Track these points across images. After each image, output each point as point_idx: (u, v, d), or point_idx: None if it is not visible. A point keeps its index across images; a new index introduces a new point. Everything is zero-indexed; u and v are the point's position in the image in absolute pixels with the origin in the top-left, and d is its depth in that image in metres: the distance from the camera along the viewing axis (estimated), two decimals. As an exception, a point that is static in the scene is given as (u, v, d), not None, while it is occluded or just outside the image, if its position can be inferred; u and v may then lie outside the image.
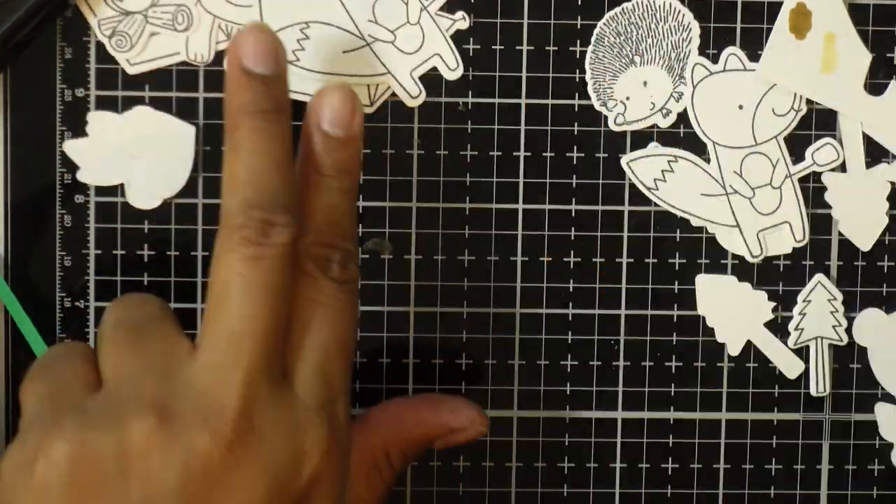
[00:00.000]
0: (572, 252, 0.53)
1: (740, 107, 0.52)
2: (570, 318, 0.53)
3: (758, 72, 0.52)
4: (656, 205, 0.53)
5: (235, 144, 0.43)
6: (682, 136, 0.53)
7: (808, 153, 0.53)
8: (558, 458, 0.54)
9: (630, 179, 0.53)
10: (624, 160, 0.52)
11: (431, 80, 0.52)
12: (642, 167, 0.52)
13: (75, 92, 0.51)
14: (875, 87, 0.53)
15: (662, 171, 0.52)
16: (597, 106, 0.52)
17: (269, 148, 0.43)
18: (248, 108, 0.43)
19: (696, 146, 0.53)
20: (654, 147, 0.52)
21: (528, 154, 0.53)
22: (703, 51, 0.52)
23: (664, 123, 0.52)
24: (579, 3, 0.52)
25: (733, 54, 0.52)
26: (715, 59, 0.52)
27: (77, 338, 0.52)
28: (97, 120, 0.51)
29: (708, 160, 0.53)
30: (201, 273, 0.52)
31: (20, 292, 0.51)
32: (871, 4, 0.53)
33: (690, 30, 0.52)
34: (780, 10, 0.52)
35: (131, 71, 0.51)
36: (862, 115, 0.52)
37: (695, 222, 0.53)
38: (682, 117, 0.53)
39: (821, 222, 0.53)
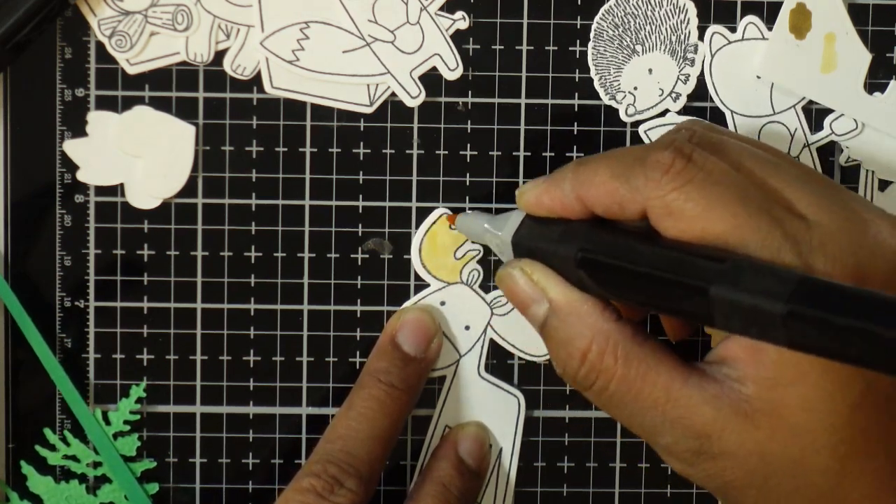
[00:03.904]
0: (572, 252, 0.53)
1: (759, 75, 0.52)
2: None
3: (758, 72, 0.52)
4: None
5: (352, 402, 0.49)
6: (700, 108, 0.52)
7: (826, 122, 0.53)
8: (558, 458, 0.54)
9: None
10: (642, 129, 0.52)
11: (431, 80, 0.52)
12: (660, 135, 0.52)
13: (75, 92, 0.51)
14: (875, 86, 0.53)
15: None
16: (606, 100, 0.52)
17: (376, 419, 0.48)
18: (377, 375, 0.49)
19: (715, 116, 0.53)
20: (672, 116, 0.52)
21: (528, 154, 0.53)
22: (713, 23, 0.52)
23: (675, 107, 0.52)
24: (579, 2, 0.52)
25: (752, 23, 0.52)
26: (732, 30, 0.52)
27: (76, 338, 0.52)
28: (97, 120, 0.51)
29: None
30: (201, 273, 0.52)
31: (20, 292, 0.51)
32: (871, 4, 0.52)
33: (687, 10, 0.52)
34: (780, 10, 0.52)
35: (131, 71, 0.51)
36: (862, 115, 0.52)
37: None
38: (700, 90, 0.52)
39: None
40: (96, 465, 0.52)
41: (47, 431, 0.52)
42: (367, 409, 0.48)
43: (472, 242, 0.51)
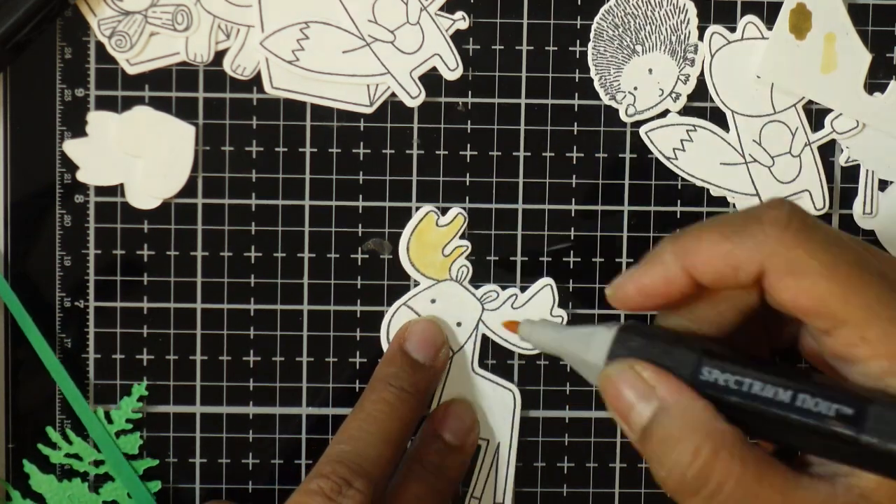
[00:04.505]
0: (572, 252, 0.53)
1: (759, 75, 0.52)
2: (572, 319, 0.53)
3: (758, 72, 0.52)
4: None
5: (362, 405, 0.49)
6: (700, 108, 0.53)
7: (827, 121, 0.53)
8: (558, 458, 0.54)
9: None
10: (643, 130, 0.52)
11: (431, 80, 0.52)
12: (661, 137, 0.52)
13: (75, 92, 0.51)
14: (875, 86, 0.53)
15: (681, 141, 0.52)
16: (606, 100, 0.52)
17: (387, 421, 0.48)
18: (387, 379, 0.50)
19: (715, 115, 0.53)
20: (672, 116, 0.52)
21: (528, 154, 0.53)
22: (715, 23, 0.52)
23: (675, 107, 0.52)
24: (579, 2, 0.52)
25: (751, 23, 0.52)
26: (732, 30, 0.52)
27: (76, 338, 0.52)
28: (97, 120, 0.51)
29: (727, 129, 0.53)
30: (201, 273, 0.52)
31: (20, 292, 0.51)
32: (871, 4, 0.52)
33: (687, 10, 0.52)
34: (780, 10, 0.52)
35: (131, 71, 0.51)
36: (862, 115, 0.52)
37: (714, 192, 0.53)
38: (700, 90, 0.52)
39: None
40: (98, 463, 0.53)
41: (49, 430, 0.52)
42: (378, 412, 0.49)
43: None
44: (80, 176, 0.51)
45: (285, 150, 0.52)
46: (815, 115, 0.53)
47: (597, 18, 0.52)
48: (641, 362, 0.40)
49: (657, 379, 0.40)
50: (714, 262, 0.39)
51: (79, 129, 0.51)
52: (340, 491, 0.45)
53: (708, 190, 0.53)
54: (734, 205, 0.53)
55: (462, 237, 0.53)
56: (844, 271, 0.38)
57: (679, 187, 0.53)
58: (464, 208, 0.52)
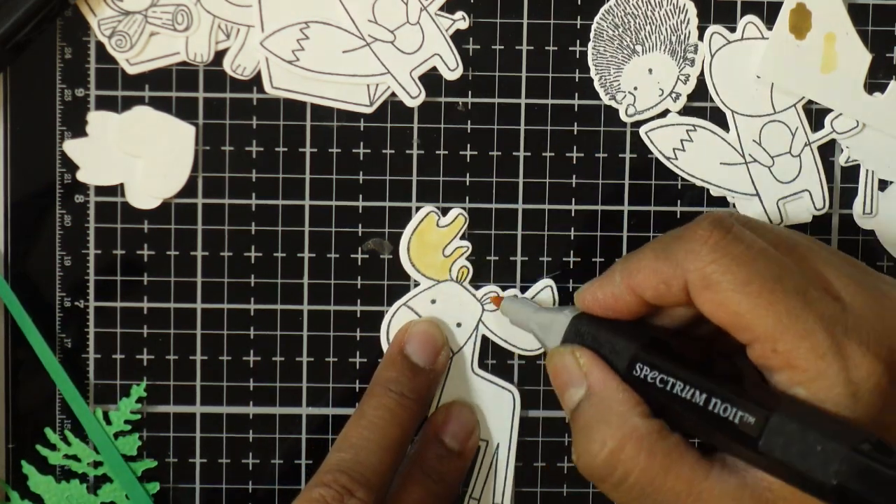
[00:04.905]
0: (572, 252, 0.53)
1: (758, 75, 0.52)
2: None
3: (758, 72, 0.52)
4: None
5: (362, 411, 0.49)
6: (700, 108, 0.53)
7: (826, 121, 0.53)
8: (558, 458, 0.54)
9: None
10: (643, 130, 0.52)
11: (431, 80, 0.52)
12: (661, 137, 0.52)
13: (75, 92, 0.51)
14: (875, 86, 0.53)
15: (681, 141, 0.52)
16: (606, 100, 0.52)
17: (387, 428, 0.48)
18: (387, 384, 0.49)
19: (715, 116, 0.53)
20: (672, 116, 0.52)
21: (528, 154, 0.53)
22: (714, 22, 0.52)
23: (675, 107, 0.52)
24: (579, 2, 0.52)
25: (751, 23, 0.52)
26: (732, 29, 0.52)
27: (76, 338, 0.52)
28: (97, 120, 0.51)
29: (727, 129, 0.53)
30: (201, 273, 0.52)
31: (20, 292, 0.51)
32: (871, 4, 0.52)
33: (687, 10, 0.52)
34: (780, 10, 0.52)
35: (131, 71, 0.51)
36: (862, 116, 0.52)
37: (714, 192, 0.53)
38: (700, 90, 0.52)
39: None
40: (97, 464, 0.53)
41: (48, 431, 0.52)
42: (378, 419, 0.48)
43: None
44: (80, 176, 0.51)
45: (285, 150, 0.52)
46: (815, 115, 0.53)
47: (597, 18, 0.52)
48: (582, 348, 0.44)
49: (590, 366, 0.44)
50: (650, 279, 0.43)
51: (79, 129, 0.51)
52: (342, 500, 0.45)
53: (708, 190, 0.53)
54: (734, 205, 0.53)
55: (462, 238, 0.53)
56: (757, 286, 0.40)
57: (679, 187, 0.53)
58: (464, 208, 0.52)
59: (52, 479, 0.52)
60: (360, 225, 0.52)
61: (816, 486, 0.37)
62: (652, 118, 0.52)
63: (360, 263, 0.53)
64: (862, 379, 0.39)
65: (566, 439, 0.54)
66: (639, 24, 0.52)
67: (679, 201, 0.53)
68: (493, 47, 0.52)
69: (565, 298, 0.53)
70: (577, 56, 0.52)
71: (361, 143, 0.52)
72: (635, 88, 0.52)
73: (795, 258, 0.42)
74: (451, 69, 0.52)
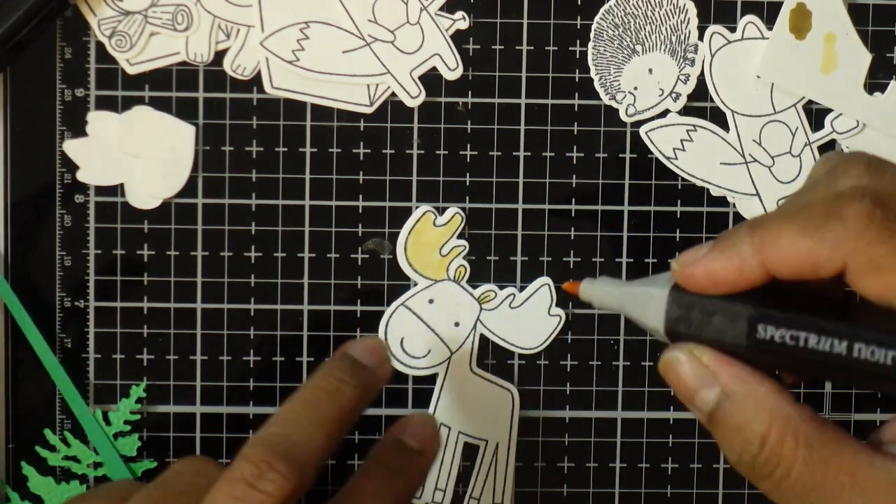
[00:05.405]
0: (572, 252, 0.53)
1: (759, 75, 0.52)
2: (570, 318, 0.53)
3: (758, 72, 0.52)
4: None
5: (299, 391, 0.45)
6: (700, 108, 0.53)
7: (827, 121, 0.53)
8: (559, 458, 0.54)
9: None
10: (643, 130, 0.52)
11: (431, 80, 0.52)
12: (661, 137, 0.52)
13: (75, 92, 0.51)
14: (875, 86, 0.53)
15: (682, 141, 0.52)
16: (606, 100, 0.52)
17: (321, 405, 0.44)
18: (329, 371, 0.46)
19: (715, 116, 0.53)
20: (672, 116, 0.52)
21: (528, 154, 0.53)
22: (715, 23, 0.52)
23: (675, 107, 0.52)
24: (579, 2, 0.52)
25: (751, 23, 0.52)
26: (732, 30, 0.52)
27: (76, 338, 0.52)
28: (97, 120, 0.51)
29: (727, 129, 0.53)
30: (201, 273, 0.52)
31: (20, 292, 0.51)
32: (871, 4, 0.52)
33: (687, 10, 0.52)
34: (780, 10, 0.52)
35: (131, 71, 0.51)
36: (862, 115, 0.52)
37: (714, 192, 0.53)
38: (701, 90, 0.52)
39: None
40: (97, 465, 0.52)
41: (48, 432, 0.52)
42: (312, 397, 0.45)
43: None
44: (80, 176, 0.51)
45: (285, 150, 0.52)
46: (815, 115, 0.53)
47: (597, 18, 0.52)
48: (700, 346, 0.40)
49: (717, 364, 0.40)
50: (794, 259, 0.39)
51: (79, 129, 0.51)
52: (261, 475, 0.42)
53: (708, 190, 0.53)
54: (734, 204, 0.53)
55: (461, 237, 0.53)
56: None
57: (679, 187, 0.53)
58: (463, 208, 0.52)
59: (51, 480, 0.52)
60: (360, 225, 0.52)
61: None
62: (652, 118, 0.52)
63: (360, 263, 0.53)
64: None
65: (566, 439, 0.54)
66: (639, 24, 0.52)
67: (679, 201, 0.53)
68: (493, 47, 0.52)
69: (564, 299, 0.53)
70: (577, 56, 0.52)
71: (361, 143, 0.52)
72: (635, 88, 0.52)
73: None
74: (451, 69, 0.52)
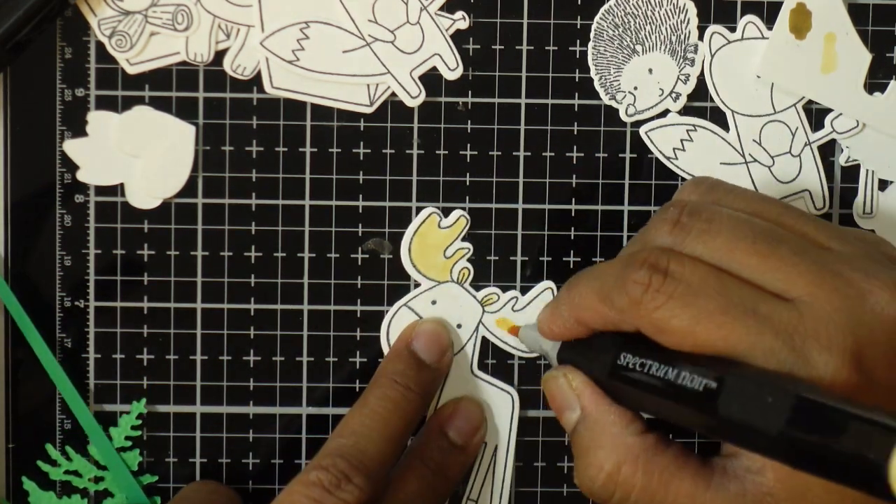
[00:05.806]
0: (572, 252, 0.53)
1: (759, 75, 0.52)
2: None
3: (758, 72, 0.52)
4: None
5: (366, 400, 0.49)
6: (700, 108, 0.53)
7: (827, 121, 0.53)
8: (558, 458, 0.54)
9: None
10: (643, 130, 0.52)
11: (431, 80, 0.52)
12: (661, 137, 0.52)
13: (75, 92, 0.51)
14: (875, 86, 0.53)
15: (682, 141, 0.52)
16: (606, 100, 0.52)
17: (390, 418, 0.48)
18: (393, 376, 0.49)
19: (715, 115, 0.53)
20: (672, 116, 0.52)
21: (528, 154, 0.53)
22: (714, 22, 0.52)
23: (675, 107, 0.52)
24: (579, 2, 0.52)
25: (751, 22, 0.52)
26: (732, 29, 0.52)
27: (76, 338, 0.52)
28: (97, 120, 0.51)
29: (727, 129, 0.53)
30: (201, 273, 0.52)
31: (20, 292, 0.51)
32: (871, 4, 0.53)
33: (687, 10, 0.52)
34: (780, 10, 0.52)
35: (131, 71, 0.51)
36: (862, 115, 0.52)
37: None
38: (701, 90, 0.52)
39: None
40: (98, 479, 0.52)
41: (49, 447, 0.52)
42: (382, 409, 0.48)
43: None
44: (80, 176, 0.51)
45: (285, 150, 0.52)
46: (815, 115, 0.53)
47: (597, 18, 0.52)
48: (573, 370, 0.45)
49: (582, 388, 0.44)
50: (598, 319, 0.43)
51: (79, 129, 0.51)
52: (339, 485, 0.45)
53: (708, 190, 0.53)
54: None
55: (463, 239, 0.53)
56: (705, 323, 0.39)
57: (679, 187, 0.53)
58: (464, 208, 0.52)
59: (52, 494, 0.52)
60: (360, 225, 0.52)
61: (769, 441, 0.36)
62: (652, 118, 0.52)
63: (360, 263, 0.53)
64: (830, 380, 0.38)
65: (566, 439, 0.54)
66: (639, 23, 0.52)
67: (679, 201, 0.53)
68: (493, 47, 0.52)
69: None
70: (577, 56, 0.52)
71: (361, 143, 0.52)
72: (635, 88, 0.52)
73: (747, 264, 0.41)
74: (451, 69, 0.52)
